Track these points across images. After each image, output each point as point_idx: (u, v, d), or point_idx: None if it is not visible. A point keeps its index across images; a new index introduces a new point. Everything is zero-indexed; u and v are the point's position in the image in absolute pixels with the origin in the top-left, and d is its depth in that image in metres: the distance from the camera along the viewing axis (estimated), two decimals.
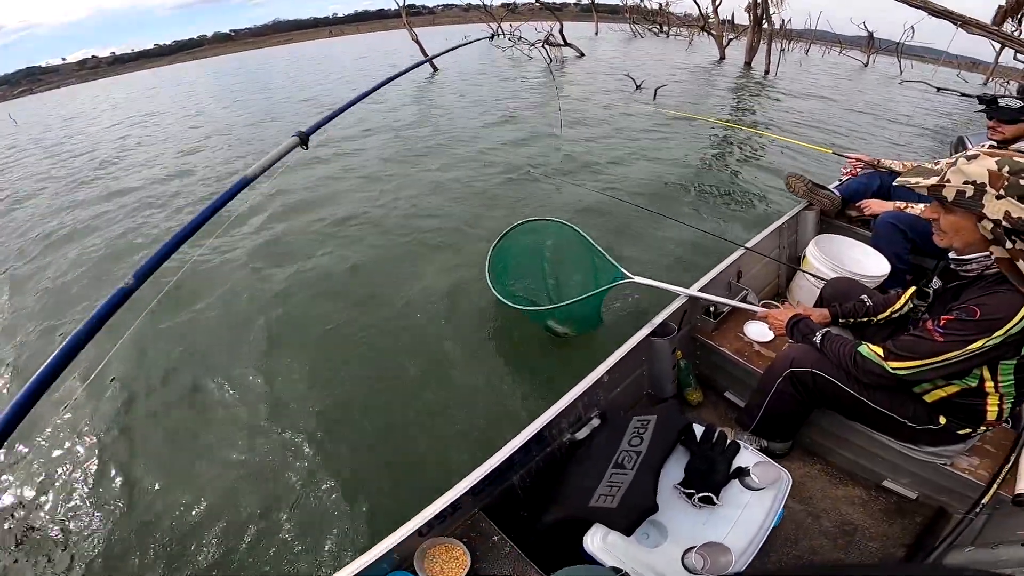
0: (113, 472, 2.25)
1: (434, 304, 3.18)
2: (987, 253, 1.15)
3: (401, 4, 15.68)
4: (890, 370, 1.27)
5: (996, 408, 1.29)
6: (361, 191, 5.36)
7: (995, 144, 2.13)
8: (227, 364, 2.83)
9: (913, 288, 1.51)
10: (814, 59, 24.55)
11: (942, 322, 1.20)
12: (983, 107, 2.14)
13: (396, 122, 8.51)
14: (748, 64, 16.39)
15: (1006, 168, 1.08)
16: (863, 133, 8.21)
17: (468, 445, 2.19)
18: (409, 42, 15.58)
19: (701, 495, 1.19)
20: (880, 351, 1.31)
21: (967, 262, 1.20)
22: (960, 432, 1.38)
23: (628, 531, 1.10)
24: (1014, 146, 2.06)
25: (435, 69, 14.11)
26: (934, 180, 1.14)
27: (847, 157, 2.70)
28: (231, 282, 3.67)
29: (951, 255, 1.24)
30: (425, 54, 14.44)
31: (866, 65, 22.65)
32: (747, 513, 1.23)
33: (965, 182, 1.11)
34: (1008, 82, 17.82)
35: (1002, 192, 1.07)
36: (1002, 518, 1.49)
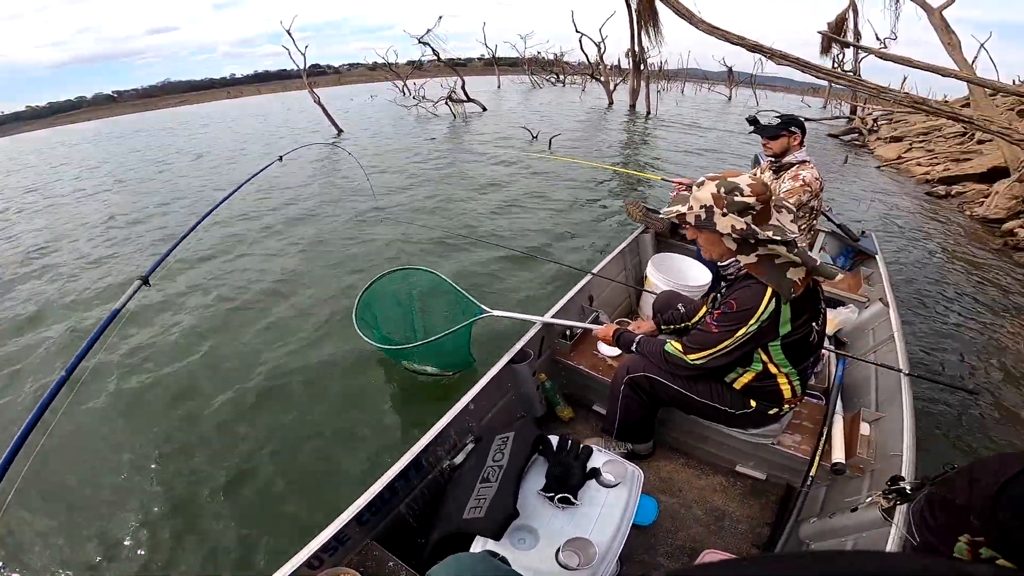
0: None
1: (311, 362, 3.24)
2: (736, 259, 1.38)
3: (302, 66, 15.63)
4: (689, 362, 1.52)
5: (788, 386, 1.55)
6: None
7: (772, 159, 2.39)
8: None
9: (713, 295, 1.79)
10: (688, 96, 27.69)
11: (715, 315, 1.45)
12: (752, 127, 2.39)
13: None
14: (632, 107, 18.19)
15: (722, 189, 1.27)
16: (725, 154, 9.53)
17: (353, 481, 2.26)
18: (311, 105, 15.52)
19: (559, 496, 1.38)
20: (680, 347, 1.55)
21: (727, 267, 1.49)
22: (770, 412, 1.62)
23: (497, 536, 1.25)
24: (787, 159, 2.32)
25: (339, 131, 14.31)
26: (683, 209, 1.37)
27: (673, 181, 2.93)
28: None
29: (719, 263, 1.50)
30: (329, 117, 14.55)
31: (730, 99, 25.84)
32: (607, 509, 1.39)
33: (701, 206, 1.31)
34: (840, 103, 21.14)
35: (725, 210, 1.28)
36: (835, 487, 1.71)
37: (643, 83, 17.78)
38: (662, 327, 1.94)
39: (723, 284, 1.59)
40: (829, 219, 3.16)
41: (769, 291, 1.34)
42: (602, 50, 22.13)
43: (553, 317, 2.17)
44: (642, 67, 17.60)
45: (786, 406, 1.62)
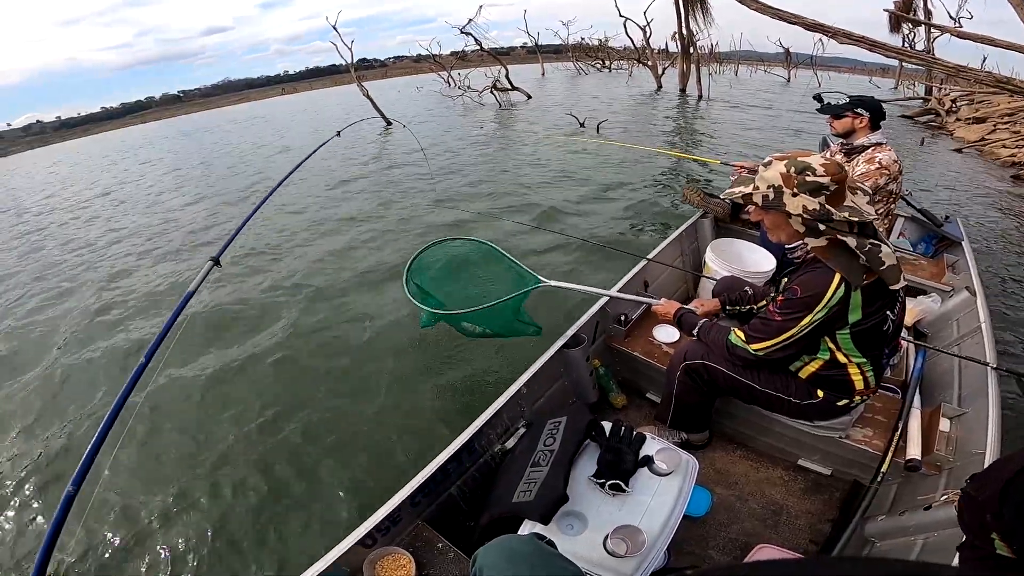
0: None
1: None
2: (804, 242, 1.30)
3: (350, 61, 16.15)
4: (752, 352, 1.44)
5: (860, 376, 1.45)
6: None
7: (843, 143, 2.34)
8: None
9: (778, 279, 1.69)
10: (743, 79, 26.37)
11: (778, 303, 1.36)
12: (818, 106, 2.36)
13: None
14: (683, 90, 17.50)
15: (792, 169, 1.21)
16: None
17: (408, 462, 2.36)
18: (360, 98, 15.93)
19: (610, 483, 1.33)
20: (743, 335, 1.47)
21: (794, 250, 1.40)
22: (839, 404, 1.51)
23: (545, 520, 1.23)
24: (859, 141, 2.25)
25: (388, 123, 14.54)
26: (748, 189, 1.30)
27: (733, 165, 2.77)
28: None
29: (786, 246, 1.40)
30: (377, 109, 14.81)
31: (788, 81, 24.39)
32: (658, 497, 1.35)
33: (768, 187, 1.25)
34: (913, 84, 19.53)
35: (795, 190, 1.21)
36: (907, 484, 1.60)
37: (693, 66, 17.09)
38: (727, 307, 1.85)
39: (789, 269, 1.50)
40: (909, 203, 2.92)
41: (837, 277, 1.26)
42: (648, 34, 21.42)
43: (614, 292, 2.06)
44: (691, 50, 16.91)
45: (857, 398, 1.51)
